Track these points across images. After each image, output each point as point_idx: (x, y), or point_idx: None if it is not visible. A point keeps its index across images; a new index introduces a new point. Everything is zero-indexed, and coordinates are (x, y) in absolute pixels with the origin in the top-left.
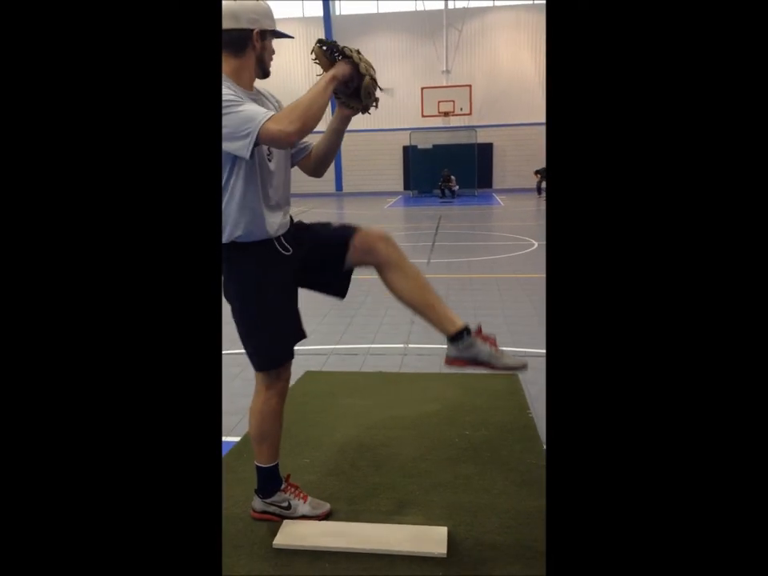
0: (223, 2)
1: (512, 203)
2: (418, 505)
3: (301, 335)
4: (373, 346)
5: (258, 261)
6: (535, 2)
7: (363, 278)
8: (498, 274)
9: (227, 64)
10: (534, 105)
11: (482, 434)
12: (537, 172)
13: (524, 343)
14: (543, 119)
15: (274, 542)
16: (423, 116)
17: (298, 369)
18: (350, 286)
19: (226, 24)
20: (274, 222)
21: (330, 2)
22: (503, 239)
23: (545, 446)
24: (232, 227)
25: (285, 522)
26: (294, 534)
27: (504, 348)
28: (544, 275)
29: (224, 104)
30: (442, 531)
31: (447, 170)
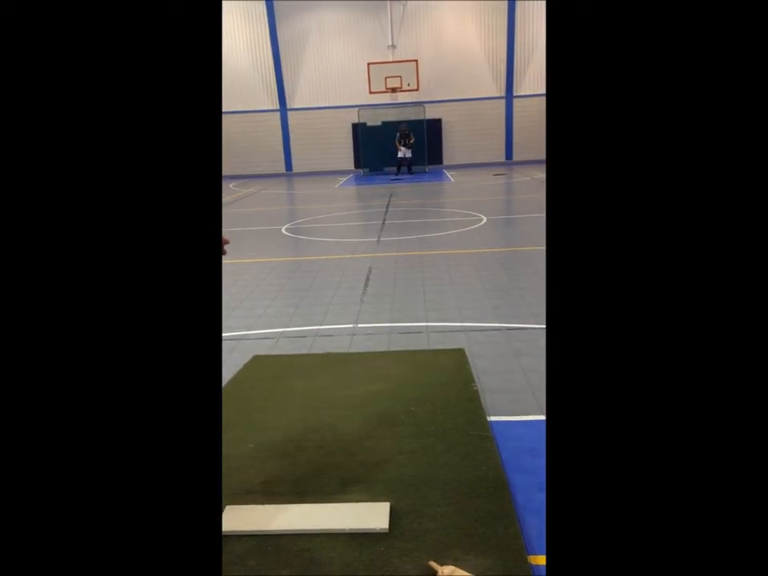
0: None
1: (462, 179)
2: (361, 482)
3: None
4: (321, 327)
5: None
6: None
7: (310, 259)
8: (447, 249)
9: None
10: (480, 79)
11: (427, 409)
12: None
13: (471, 318)
14: (490, 93)
15: None
16: (371, 92)
17: (246, 354)
18: (298, 268)
19: None
20: None
21: None
22: (453, 215)
23: (489, 418)
24: None
25: (227, 507)
26: (236, 519)
27: (452, 323)
28: (491, 250)
29: None
30: (383, 506)
31: (405, 124)
